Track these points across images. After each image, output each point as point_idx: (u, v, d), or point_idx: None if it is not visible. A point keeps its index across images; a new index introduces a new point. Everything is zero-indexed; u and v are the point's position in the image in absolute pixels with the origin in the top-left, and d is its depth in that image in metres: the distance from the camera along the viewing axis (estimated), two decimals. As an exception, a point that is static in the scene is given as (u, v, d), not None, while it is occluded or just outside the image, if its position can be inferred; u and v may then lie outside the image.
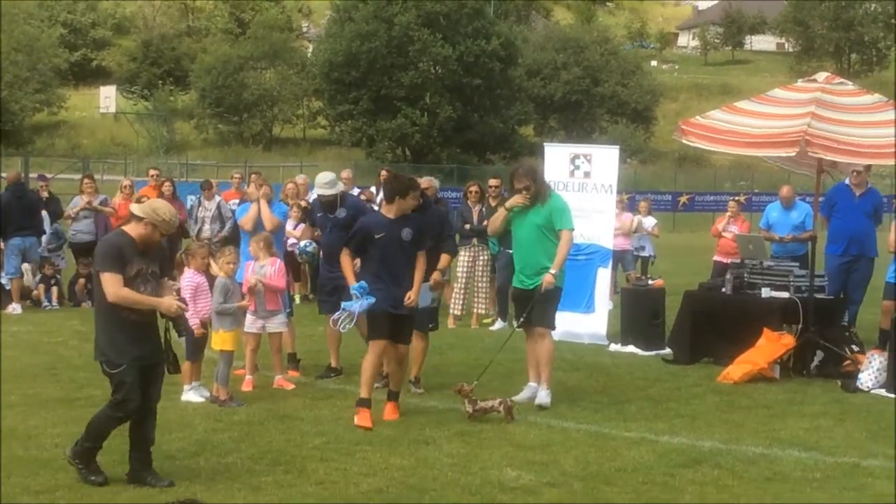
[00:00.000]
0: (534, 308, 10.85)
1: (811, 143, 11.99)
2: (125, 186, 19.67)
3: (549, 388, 10.89)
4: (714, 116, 13.31)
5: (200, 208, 19.07)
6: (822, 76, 13.74)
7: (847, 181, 14.69)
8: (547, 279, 10.65)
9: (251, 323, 11.55)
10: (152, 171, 20.82)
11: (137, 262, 7.70)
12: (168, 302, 7.80)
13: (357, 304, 10.06)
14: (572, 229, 10.94)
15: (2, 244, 17.30)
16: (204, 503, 4.71)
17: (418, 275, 10.30)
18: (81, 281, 18.04)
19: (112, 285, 7.60)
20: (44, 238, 17.93)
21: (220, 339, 10.80)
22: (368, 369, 10.14)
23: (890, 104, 12.79)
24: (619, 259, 19.08)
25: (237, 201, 19.55)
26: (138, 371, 7.73)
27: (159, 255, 8.09)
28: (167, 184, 19.87)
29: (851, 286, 14.53)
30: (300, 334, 13.37)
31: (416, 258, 10.31)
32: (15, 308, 16.91)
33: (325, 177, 12.02)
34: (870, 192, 14.90)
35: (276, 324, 11.66)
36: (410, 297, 10.15)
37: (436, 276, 11.06)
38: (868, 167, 14.38)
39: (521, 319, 11.07)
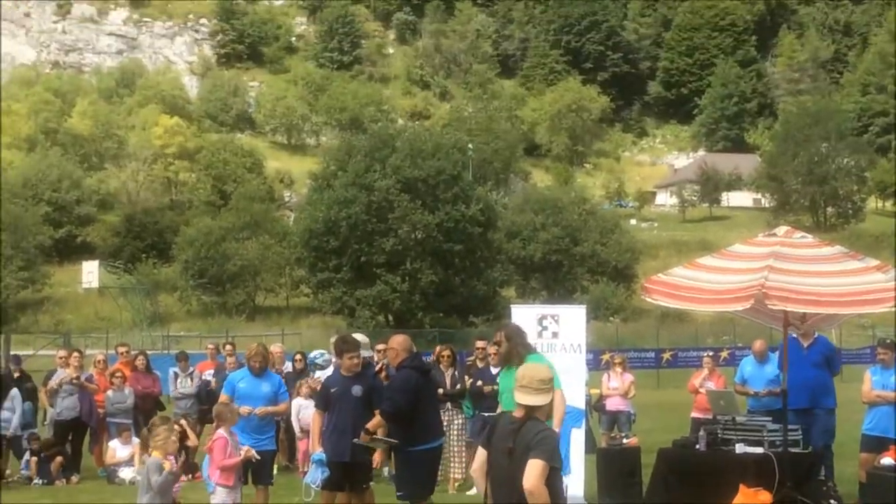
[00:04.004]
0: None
1: (769, 296, 12.00)
2: (98, 361, 19.88)
3: None
4: (676, 273, 13.36)
5: (178, 380, 19.28)
6: (782, 230, 13.78)
7: (794, 334, 14.55)
8: None
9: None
10: (121, 348, 20.95)
11: None
12: None
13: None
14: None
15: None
16: None
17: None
18: (59, 458, 17.84)
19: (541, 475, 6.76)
20: (15, 417, 17.72)
21: None
22: None
23: (850, 255, 12.83)
24: (614, 420, 18.90)
25: (212, 371, 19.79)
26: None
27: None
28: (140, 357, 19.88)
29: (813, 439, 14.21)
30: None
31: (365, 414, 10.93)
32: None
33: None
34: (818, 343, 14.70)
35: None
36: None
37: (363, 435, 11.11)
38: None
39: None
